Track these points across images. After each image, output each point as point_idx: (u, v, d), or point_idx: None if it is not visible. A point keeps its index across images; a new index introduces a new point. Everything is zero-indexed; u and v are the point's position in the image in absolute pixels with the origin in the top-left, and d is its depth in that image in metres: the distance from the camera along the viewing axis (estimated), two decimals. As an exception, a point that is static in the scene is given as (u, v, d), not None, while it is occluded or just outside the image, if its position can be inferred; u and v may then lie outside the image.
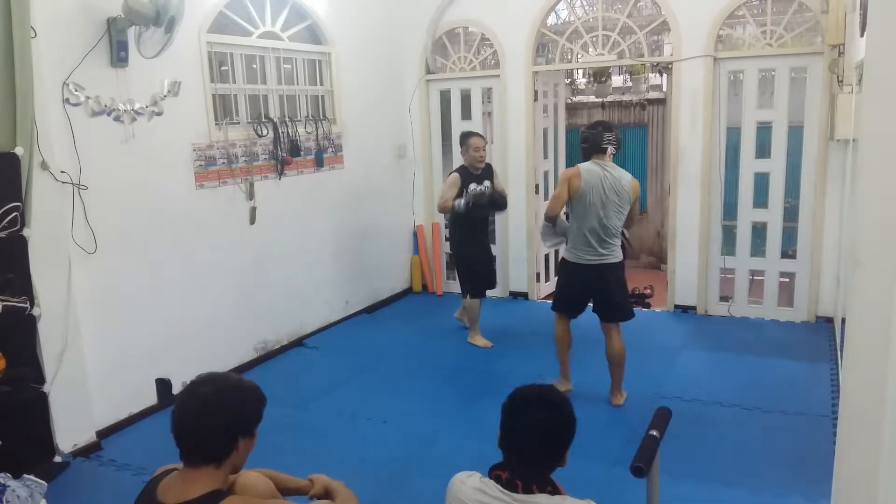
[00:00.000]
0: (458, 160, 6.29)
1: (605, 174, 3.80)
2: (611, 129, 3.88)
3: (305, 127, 5.23)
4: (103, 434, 3.79)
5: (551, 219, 3.97)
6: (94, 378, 3.72)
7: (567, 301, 4.08)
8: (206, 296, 4.46)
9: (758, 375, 4.38)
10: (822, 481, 2.80)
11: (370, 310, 6.11)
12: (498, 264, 5.71)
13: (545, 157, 6.39)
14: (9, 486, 2.79)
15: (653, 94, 9.10)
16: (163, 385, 4.15)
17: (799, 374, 4.38)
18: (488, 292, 5.49)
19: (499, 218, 6.13)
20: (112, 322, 3.86)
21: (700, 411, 3.91)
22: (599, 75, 9.69)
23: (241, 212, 4.72)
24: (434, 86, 6.41)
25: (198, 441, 1.61)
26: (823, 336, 5.05)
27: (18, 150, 3.14)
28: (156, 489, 1.64)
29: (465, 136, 5.08)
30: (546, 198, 6.17)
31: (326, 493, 1.97)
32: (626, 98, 9.27)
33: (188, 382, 1.71)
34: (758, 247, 5.54)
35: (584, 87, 9.84)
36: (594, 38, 5.70)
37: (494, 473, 1.72)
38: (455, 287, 6.33)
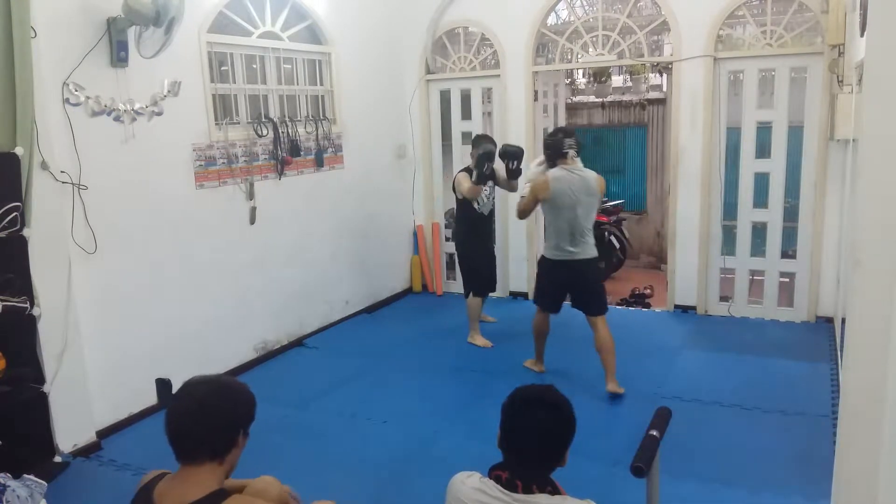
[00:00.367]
0: (458, 160, 6.31)
1: (573, 177, 4.07)
2: (571, 135, 4.19)
3: (305, 127, 5.23)
4: (103, 434, 3.79)
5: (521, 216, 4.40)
6: (94, 378, 3.73)
7: (545, 296, 4.35)
8: (206, 296, 4.46)
9: (758, 375, 4.38)
10: (822, 481, 2.80)
11: (370, 310, 6.11)
12: (498, 264, 5.70)
13: (545, 156, 6.38)
14: (9, 486, 2.78)
15: (653, 94, 9.11)
16: (163, 385, 4.15)
17: (799, 374, 4.37)
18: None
19: (499, 218, 6.12)
20: (112, 322, 3.86)
21: (700, 411, 3.91)
22: (599, 75, 9.71)
23: (241, 212, 4.72)
24: (434, 86, 6.41)
25: (199, 439, 1.61)
26: (823, 336, 5.05)
27: (18, 150, 3.15)
28: (151, 494, 1.62)
29: (481, 140, 4.95)
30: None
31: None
32: (626, 98, 9.28)
33: (180, 387, 1.71)
34: (758, 247, 5.54)
35: (584, 87, 9.86)
36: (594, 38, 5.70)
37: (494, 473, 1.72)
38: (455, 287, 6.35)
